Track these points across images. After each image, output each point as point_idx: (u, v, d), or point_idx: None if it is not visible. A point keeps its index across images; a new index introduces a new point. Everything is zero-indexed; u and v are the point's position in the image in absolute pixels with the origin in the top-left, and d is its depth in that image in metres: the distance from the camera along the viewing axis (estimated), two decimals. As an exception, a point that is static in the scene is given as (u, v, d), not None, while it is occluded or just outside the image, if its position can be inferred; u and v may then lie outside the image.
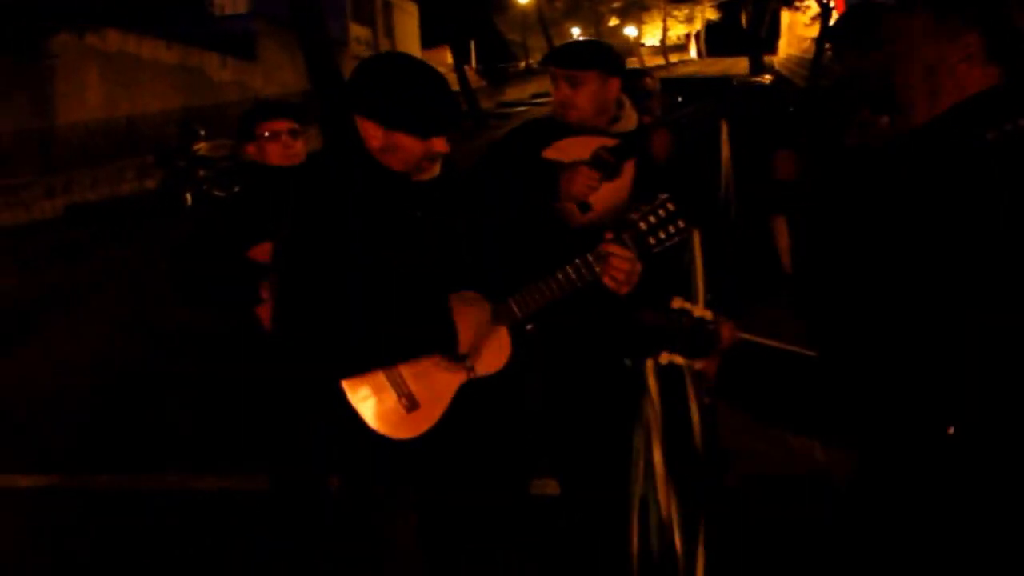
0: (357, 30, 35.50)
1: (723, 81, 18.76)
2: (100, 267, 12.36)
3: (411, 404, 2.45)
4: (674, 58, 62.45)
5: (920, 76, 1.79)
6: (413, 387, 2.46)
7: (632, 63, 57.28)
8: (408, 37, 42.35)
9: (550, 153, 3.23)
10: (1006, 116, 1.67)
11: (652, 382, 2.33)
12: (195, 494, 5.07)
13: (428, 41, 43.66)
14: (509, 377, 2.53)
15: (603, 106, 3.24)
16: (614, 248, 2.46)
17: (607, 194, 3.13)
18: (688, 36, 70.63)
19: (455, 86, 31.98)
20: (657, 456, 2.30)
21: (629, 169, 3.17)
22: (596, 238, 2.52)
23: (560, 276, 2.49)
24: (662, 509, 2.33)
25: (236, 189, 3.97)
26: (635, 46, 61.17)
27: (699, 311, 2.10)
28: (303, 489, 3.73)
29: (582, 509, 2.75)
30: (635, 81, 4.59)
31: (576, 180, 3.10)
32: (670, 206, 2.49)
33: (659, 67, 55.59)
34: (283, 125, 3.65)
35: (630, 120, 3.31)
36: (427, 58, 43.59)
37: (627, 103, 3.34)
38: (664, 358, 2.10)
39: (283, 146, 3.63)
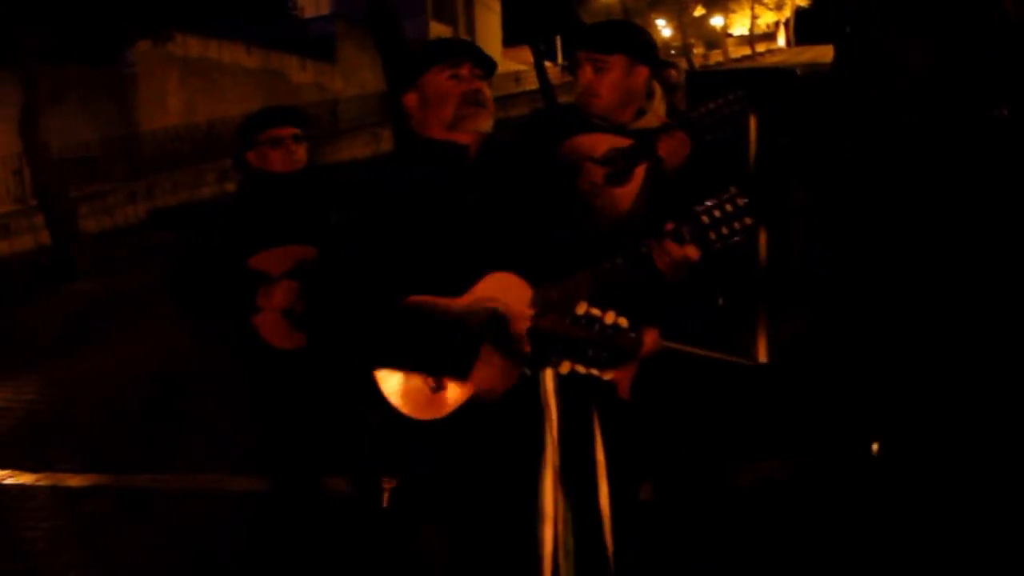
0: (438, 28, 35.64)
1: (786, 73, 17.77)
2: (166, 271, 12.70)
3: (437, 385, 2.34)
4: (761, 47, 61.32)
5: None
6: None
7: (716, 55, 56.62)
8: (490, 35, 42.34)
9: (565, 151, 3.03)
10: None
11: (551, 392, 2.19)
12: (232, 494, 5.14)
13: (511, 39, 43.57)
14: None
15: (628, 96, 3.02)
16: (667, 241, 2.31)
17: (612, 200, 2.93)
18: (777, 24, 69.27)
19: (533, 84, 31.87)
20: (549, 478, 2.17)
21: (639, 175, 2.94)
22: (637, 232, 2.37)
23: (607, 266, 2.32)
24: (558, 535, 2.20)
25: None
26: (721, 36, 60.25)
27: (611, 318, 1.97)
28: (303, 490, 3.72)
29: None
30: (657, 73, 4.40)
31: (583, 180, 2.93)
32: (739, 201, 2.31)
33: (745, 57, 54.69)
34: (287, 131, 3.62)
35: (656, 115, 3.10)
36: (509, 56, 43.83)
37: (658, 95, 3.13)
38: (565, 367, 1.98)
39: (286, 152, 3.60)
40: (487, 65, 2.52)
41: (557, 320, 1.98)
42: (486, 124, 2.47)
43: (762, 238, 3.98)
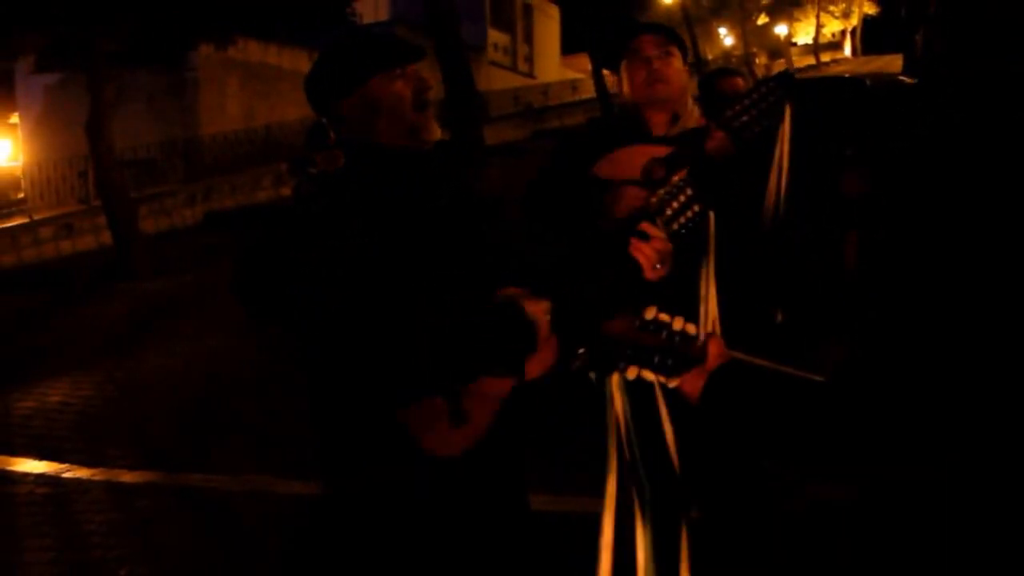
0: (496, 36, 35.75)
1: (855, 82, 17.43)
2: (229, 271, 12.87)
3: (460, 419, 2.24)
4: (826, 57, 60.40)
5: None
6: (464, 399, 2.24)
7: (779, 65, 55.87)
8: (548, 43, 42.33)
9: (602, 168, 3.01)
10: None
11: (618, 399, 2.15)
12: (282, 497, 5.19)
13: (570, 46, 43.58)
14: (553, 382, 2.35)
15: (684, 90, 3.02)
16: (649, 229, 2.34)
17: None
18: (844, 33, 68.35)
19: (592, 93, 31.74)
20: (611, 484, 2.12)
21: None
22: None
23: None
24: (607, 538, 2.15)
25: None
26: (784, 45, 59.52)
27: (679, 324, 1.95)
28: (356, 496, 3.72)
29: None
30: (723, 81, 4.35)
31: (622, 202, 2.89)
32: (689, 191, 2.37)
33: (810, 67, 53.90)
34: None
35: (691, 117, 3.05)
36: (567, 64, 43.75)
37: (689, 98, 3.12)
38: (632, 373, 1.96)
39: None
40: (420, 58, 2.38)
41: (626, 324, 1.97)
42: (438, 133, 2.37)
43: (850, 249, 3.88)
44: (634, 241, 2.37)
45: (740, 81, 4.39)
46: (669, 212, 2.37)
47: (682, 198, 2.40)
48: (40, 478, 5.66)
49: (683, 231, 2.37)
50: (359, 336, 2.18)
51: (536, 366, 2.30)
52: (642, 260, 2.36)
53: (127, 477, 5.63)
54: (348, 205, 2.26)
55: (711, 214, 2.72)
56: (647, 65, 2.99)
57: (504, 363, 2.25)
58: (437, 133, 2.36)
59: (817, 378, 1.95)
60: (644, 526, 2.09)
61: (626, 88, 3.08)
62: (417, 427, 2.23)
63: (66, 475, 5.68)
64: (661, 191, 2.40)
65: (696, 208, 2.39)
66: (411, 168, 2.33)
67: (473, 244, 2.36)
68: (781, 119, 2.90)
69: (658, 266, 2.34)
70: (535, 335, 2.21)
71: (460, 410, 2.24)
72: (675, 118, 3.04)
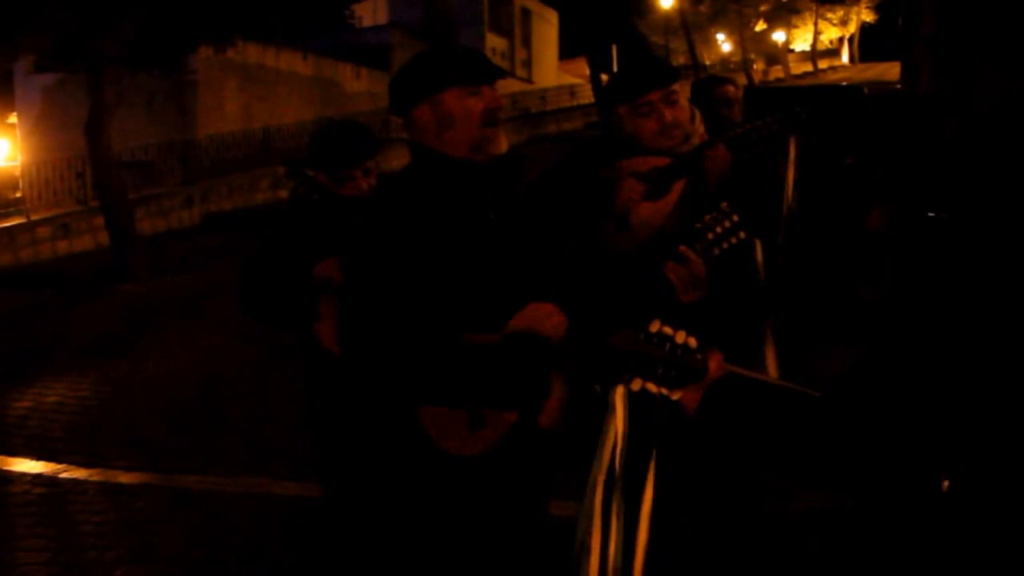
0: (494, 40, 35.82)
1: (852, 90, 17.26)
2: (227, 273, 12.86)
3: (478, 422, 2.31)
4: (823, 64, 60.49)
5: None
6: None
7: (777, 71, 55.93)
8: (546, 47, 42.40)
9: (607, 171, 3.03)
10: None
11: (620, 409, 2.17)
12: (279, 498, 5.21)
13: (567, 51, 43.63)
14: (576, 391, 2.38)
15: (691, 115, 3.07)
16: (687, 252, 2.41)
17: (648, 214, 2.92)
18: (841, 40, 68.50)
19: (590, 98, 31.80)
20: (598, 493, 2.14)
21: (676, 189, 2.92)
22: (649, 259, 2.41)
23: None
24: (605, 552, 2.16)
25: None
26: (782, 52, 59.62)
27: (682, 337, 1.98)
28: (354, 500, 3.73)
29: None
30: (716, 88, 4.43)
31: (621, 194, 2.90)
32: (734, 218, 2.46)
33: (807, 73, 54.01)
34: (357, 172, 3.56)
35: (696, 134, 3.08)
36: (565, 69, 43.83)
37: (697, 115, 3.16)
38: (636, 385, 1.98)
39: (353, 184, 3.55)
40: (495, 79, 2.50)
41: (631, 337, 2.00)
42: (504, 147, 2.47)
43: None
44: (671, 264, 2.41)
45: (731, 88, 4.49)
46: (711, 237, 2.42)
47: (727, 224, 2.45)
48: (37, 478, 5.66)
49: (723, 257, 2.42)
50: (373, 333, 2.26)
51: (548, 413, 2.35)
52: (676, 282, 2.40)
53: (124, 478, 5.64)
54: (395, 206, 2.36)
55: (758, 242, 2.78)
56: (660, 120, 2.99)
57: (516, 405, 2.30)
58: (503, 146, 2.46)
59: (813, 393, 1.97)
60: (627, 531, 2.11)
61: (629, 131, 3.06)
62: (435, 427, 2.30)
63: (62, 475, 5.69)
64: (707, 217, 2.45)
65: (741, 235, 2.44)
66: (468, 177, 2.42)
67: (514, 253, 2.41)
68: (785, 147, 2.98)
69: (691, 291, 2.38)
70: (549, 386, 2.26)
71: (480, 415, 2.30)
72: (686, 137, 3.06)
